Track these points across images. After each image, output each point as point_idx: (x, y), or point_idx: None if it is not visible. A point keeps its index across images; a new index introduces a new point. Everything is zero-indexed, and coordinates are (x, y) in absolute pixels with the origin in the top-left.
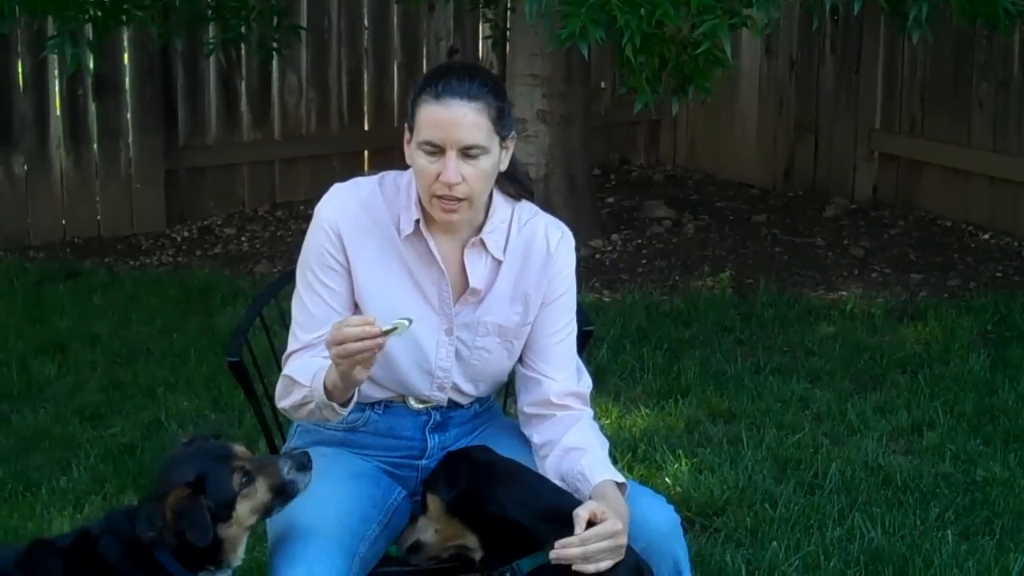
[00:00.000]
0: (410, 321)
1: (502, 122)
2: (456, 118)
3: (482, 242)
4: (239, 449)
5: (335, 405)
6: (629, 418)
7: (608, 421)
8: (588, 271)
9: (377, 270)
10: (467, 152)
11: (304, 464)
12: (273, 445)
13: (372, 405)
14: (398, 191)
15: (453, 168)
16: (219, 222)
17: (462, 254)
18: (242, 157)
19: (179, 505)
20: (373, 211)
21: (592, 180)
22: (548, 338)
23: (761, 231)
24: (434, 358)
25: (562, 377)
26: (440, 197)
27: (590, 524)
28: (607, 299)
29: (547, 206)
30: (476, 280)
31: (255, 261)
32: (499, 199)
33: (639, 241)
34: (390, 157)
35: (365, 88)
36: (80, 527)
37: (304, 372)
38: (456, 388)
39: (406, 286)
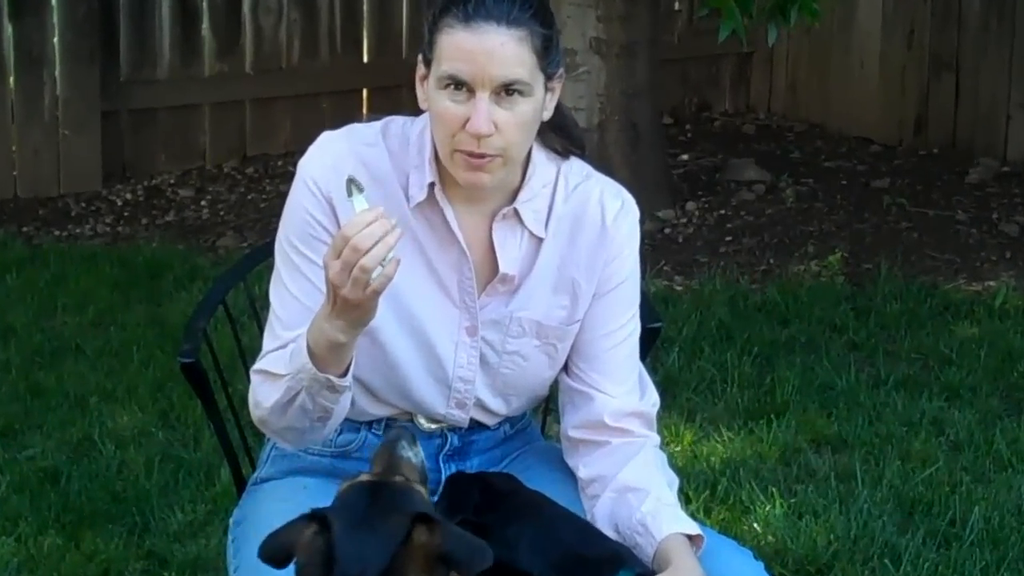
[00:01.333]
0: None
1: (548, 56)
2: (491, 48)
3: (516, 213)
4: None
5: (332, 378)
6: (707, 445)
7: (679, 449)
8: (655, 251)
9: None
10: (504, 93)
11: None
12: (239, 472)
13: (369, 424)
14: (407, 144)
15: (484, 113)
16: (172, 181)
17: (490, 229)
18: (203, 96)
19: None
20: (374, 169)
21: (661, 131)
22: (602, 340)
23: (883, 200)
24: (452, 366)
25: (620, 392)
26: (466, 152)
27: None
28: (679, 288)
29: (602, 165)
30: (508, 263)
31: (218, 233)
32: (540, 157)
33: (722, 212)
34: (395, 98)
35: (364, 6)
36: None
37: (276, 360)
38: (480, 405)
39: (416, 270)
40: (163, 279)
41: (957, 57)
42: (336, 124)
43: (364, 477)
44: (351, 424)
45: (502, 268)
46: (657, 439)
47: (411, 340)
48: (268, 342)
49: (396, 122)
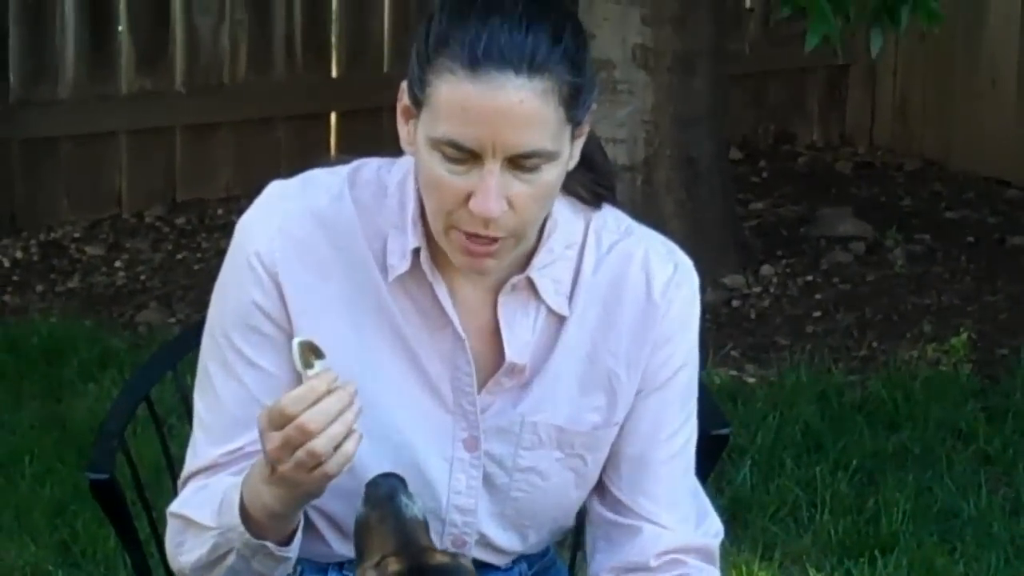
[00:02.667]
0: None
1: (578, 104)
2: (506, 107)
3: (531, 283)
4: None
5: (271, 545)
6: None
7: None
8: (720, 330)
9: (343, 338)
10: (520, 163)
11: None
12: None
13: (340, 567)
14: (383, 197)
15: (495, 191)
16: (77, 235)
17: (495, 305)
18: (119, 122)
19: None
20: (338, 233)
21: (728, 170)
22: (651, 452)
23: (1023, 263)
24: (446, 492)
25: (672, 521)
26: (466, 233)
27: None
28: (752, 379)
29: (648, 214)
30: (517, 350)
31: (138, 304)
32: (563, 208)
33: (809, 278)
34: (373, 125)
35: (333, 5)
36: None
37: (203, 504)
38: (485, 542)
39: (396, 366)
40: (65, 366)
41: None
42: (295, 158)
43: (394, 567)
44: (313, 566)
45: (509, 356)
46: None
47: (390, 460)
48: (191, 460)
49: (369, 166)
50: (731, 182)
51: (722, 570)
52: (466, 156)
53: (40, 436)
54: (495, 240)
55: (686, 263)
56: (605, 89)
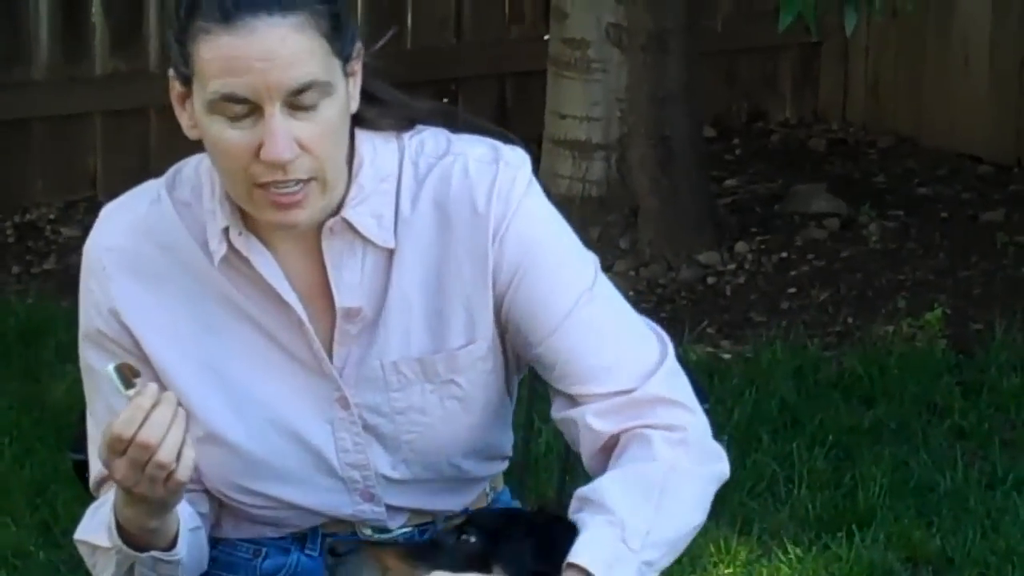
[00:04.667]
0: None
1: (341, 35)
2: (268, 49)
3: (348, 225)
4: None
5: (157, 554)
6: (767, 565)
7: (730, 571)
8: (695, 306)
9: (200, 339)
10: (297, 101)
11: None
12: None
13: (301, 540)
14: (199, 187)
15: (281, 133)
16: (52, 216)
17: (320, 256)
18: (93, 103)
19: None
20: (162, 234)
21: (702, 148)
22: (558, 336)
23: (996, 238)
24: (334, 453)
25: (617, 383)
26: (266, 186)
27: None
28: (728, 356)
29: (622, 192)
30: (347, 294)
31: None
32: (369, 143)
33: (784, 255)
34: None
35: None
36: None
37: (99, 528)
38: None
39: (253, 345)
40: (42, 347)
41: None
42: None
43: None
44: (276, 544)
45: (339, 302)
46: (679, 435)
47: (273, 437)
48: (92, 464)
49: (189, 165)
50: (705, 160)
51: (700, 545)
52: (245, 109)
53: (19, 417)
54: (298, 184)
55: (513, 157)
56: (579, 68)
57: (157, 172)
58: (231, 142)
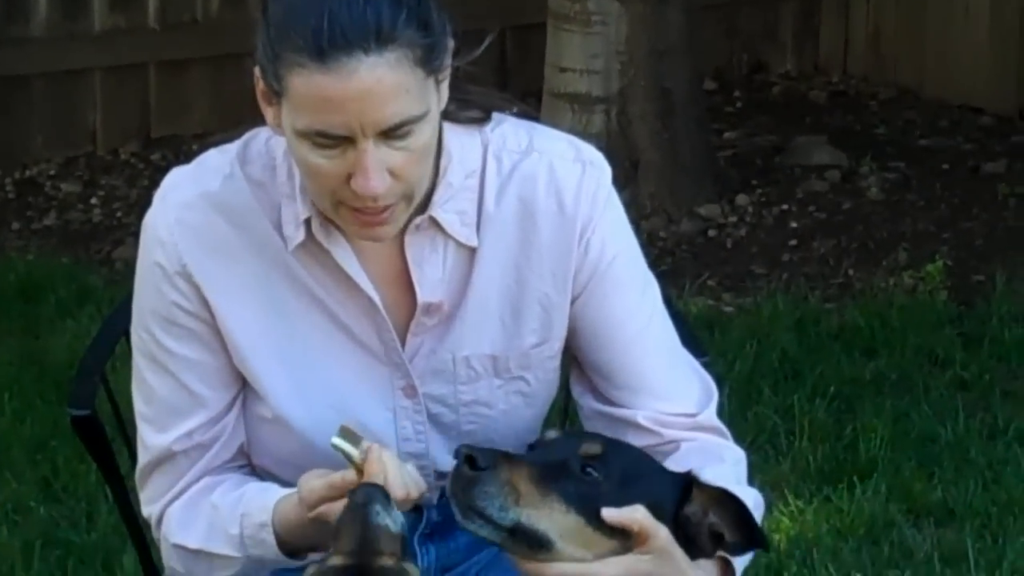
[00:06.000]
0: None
1: (434, 56)
2: (364, 89)
3: (434, 221)
4: None
5: (297, 563)
6: (769, 517)
7: None
8: (696, 259)
9: (267, 319)
10: (392, 134)
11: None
12: (148, 559)
13: None
14: (273, 168)
15: (374, 169)
16: (52, 172)
17: (403, 247)
18: (92, 59)
19: None
20: (236, 213)
21: (702, 100)
22: (615, 345)
23: (998, 190)
24: (395, 441)
25: (666, 406)
26: (355, 209)
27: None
28: (729, 308)
29: (623, 145)
30: (429, 289)
31: (115, 240)
32: (454, 136)
33: (785, 207)
34: None
35: None
36: None
37: (220, 534)
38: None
39: (322, 333)
40: (42, 303)
41: None
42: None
43: (336, 560)
44: None
45: (421, 297)
46: (741, 453)
47: (333, 421)
48: (143, 452)
49: (258, 139)
50: (705, 113)
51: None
52: (337, 141)
53: (19, 373)
54: (387, 208)
55: (593, 157)
56: (579, 21)
57: (157, 127)
58: (320, 167)
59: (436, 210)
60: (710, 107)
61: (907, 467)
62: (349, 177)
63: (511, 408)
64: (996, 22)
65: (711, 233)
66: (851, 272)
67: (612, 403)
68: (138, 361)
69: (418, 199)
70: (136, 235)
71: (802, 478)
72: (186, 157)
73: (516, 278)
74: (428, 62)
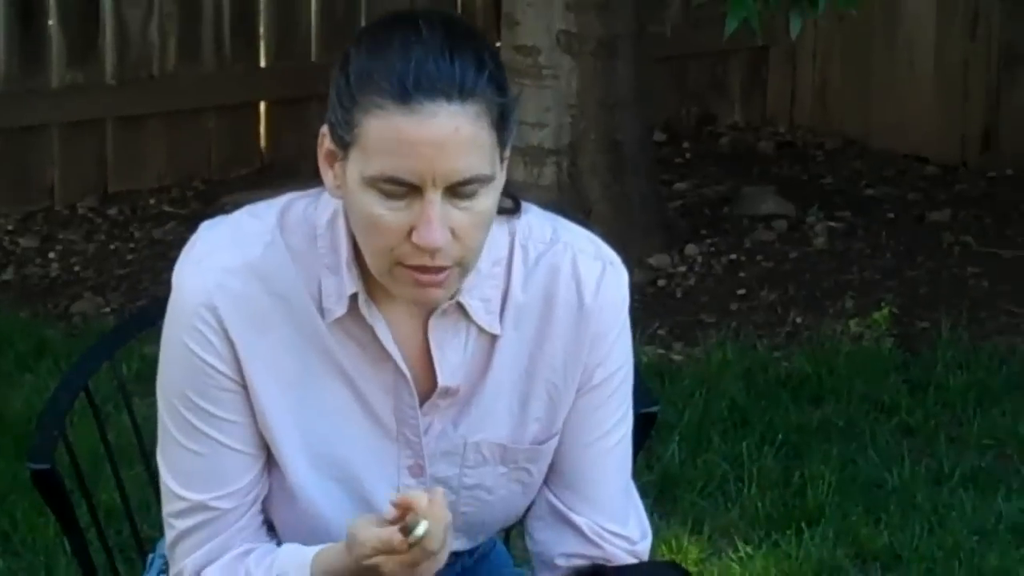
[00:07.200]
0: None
1: (506, 125)
2: (443, 137)
3: (460, 308)
4: None
5: None
6: (718, 563)
7: None
8: (646, 309)
9: (292, 388)
10: (459, 191)
11: None
12: None
13: None
14: (313, 238)
15: (438, 222)
16: (10, 227)
17: (426, 328)
18: (50, 115)
19: None
20: (276, 282)
21: (652, 152)
22: (584, 451)
23: (942, 238)
24: None
25: (604, 519)
26: (413, 268)
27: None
28: (679, 357)
29: (574, 197)
30: (449, 373)
31: (72, 295)
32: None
33: (733, 257)
34: (301, 114)
35: None
36: None
37: None
38: None
39: (339, 400)
40: (1, 357)
41: None
42: (226, 147)
43: None
44: None
45: (441, 381)
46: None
47: (341, 492)
48: (180, 518)
49: (296, 206)
50: (655, 164)
51: (652, 545)
52: (405, 190)
53: None
54: (443, 270)
55: (613, 258)
56: (531, 75)
57: (115, 182)
58: (383, 220)
59: (463, 296)
60: (660, 158)
61: (854, 512)
62: (409, 233)
63: (509, 495)
64: (940, 74)
65: (661, 283)
66: (798, 320)
67: (561, 501)
68: (171, 428)
69: (470, 272)
70: (93, 289)
71: (751, 524)
72: (143, 212)
73: (528, 367)
74: (502, 128)
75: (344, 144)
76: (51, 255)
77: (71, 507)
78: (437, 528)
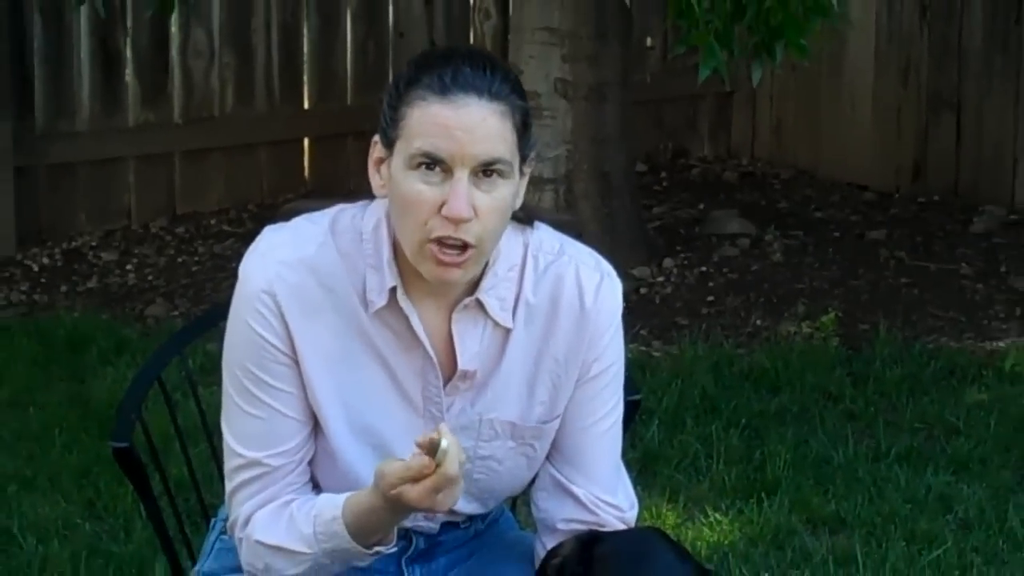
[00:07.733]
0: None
1: (527, 135)
2: (473, 123)
3: (479, 303)
4: None
5: (382, 549)
6: (692, 527)
7: None
8: (630, 313)
9: (337, 366)
10: (483, 173)
11: None
12: (177, 567)
13: None
14: (359, 242)
15: (464, 194)
16: (94, 243)
17: (449, 321)
18: (127, 149)
19: None
20: (326, 276)
21: (634, 180)
22: (582, 433)
23: (880, 253)
24: None
25: (600, 491)
26: (439, 240)
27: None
28: (657, 353)
29: (570, 219)
30: (468, 359)
31: (146, 300)
32: (503, 236)
33: (703, 269)
34: (339, 149)
35: (304, 49)
36: None
37: (295, 533)
38: (453, 510)
39: (376, 380)
40: (86, 353)
41: (959, 95)
42: (275, 177)
43: None
44: None
45: (461, 364)
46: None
47: (375, 456)
48: (238, 471)
49: (345, 214)
50: (638, 190)
51: (637, 513)
52: (437, 168)
53: (67, 412)
54: (464, 248)
55: (609, 271)
56: (533, 116)
57: (181, 205)
58: (421, 195)
59: (482, 294)
60: (641, 186)
61: (806, 485)
62: (440, 208)
63: (515, 467)
64: (877, 115)
65: (643, 291)
66: (759, 323)
67: (562, 474)
68: (234, 397)
69: (486, 258)
70: (164, 296)
71: (719, 495)
72: (205, 231)
73: (535, 358)
74: (522, 135)
75: (390, 142)
76: (128, 267)
77: (146, 479)
78: (456, 450)
